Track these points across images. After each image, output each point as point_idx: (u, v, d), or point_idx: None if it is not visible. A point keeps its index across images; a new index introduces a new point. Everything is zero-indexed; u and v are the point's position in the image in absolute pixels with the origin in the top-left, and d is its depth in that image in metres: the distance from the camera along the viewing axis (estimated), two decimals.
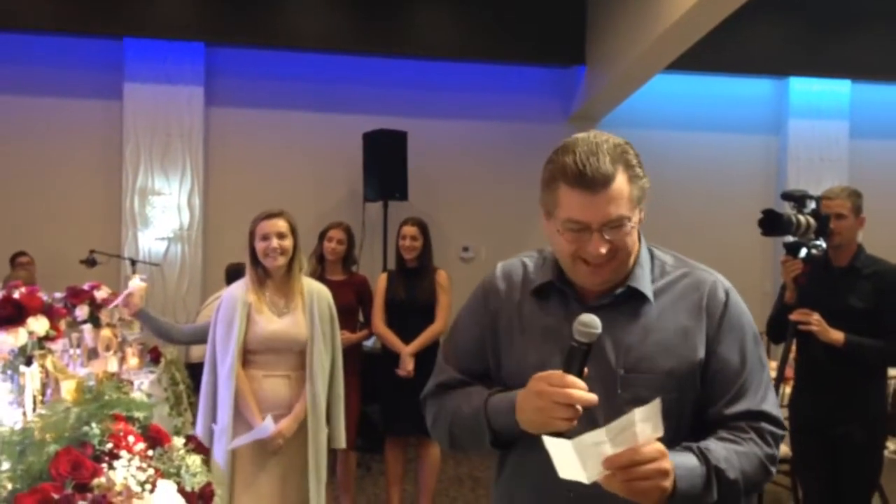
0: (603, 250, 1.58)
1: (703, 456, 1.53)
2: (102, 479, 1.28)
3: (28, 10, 7.01)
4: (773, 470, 1.63)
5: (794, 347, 3.74)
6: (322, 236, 5.06)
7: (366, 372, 5.21)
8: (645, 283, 1.67)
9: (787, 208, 3.59)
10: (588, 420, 1.52)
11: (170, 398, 3.99)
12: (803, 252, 3.54)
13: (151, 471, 1.37)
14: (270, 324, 3.55)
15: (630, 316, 1.65)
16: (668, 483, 1.43)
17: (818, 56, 8.24)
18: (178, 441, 1.55)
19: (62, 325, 2.92)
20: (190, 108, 7.54)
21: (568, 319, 1.59)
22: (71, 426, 1.39)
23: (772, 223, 3.47)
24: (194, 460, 1.51)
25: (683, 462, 1.49)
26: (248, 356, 3.54)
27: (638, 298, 1.66)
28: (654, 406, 1.39)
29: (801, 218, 3.48)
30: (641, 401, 1.49)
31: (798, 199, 3.56)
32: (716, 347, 1.64)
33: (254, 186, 7.60)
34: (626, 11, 7.00)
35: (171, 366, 4.43)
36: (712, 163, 8.51)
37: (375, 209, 7.55)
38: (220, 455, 3.50)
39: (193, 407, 4.16)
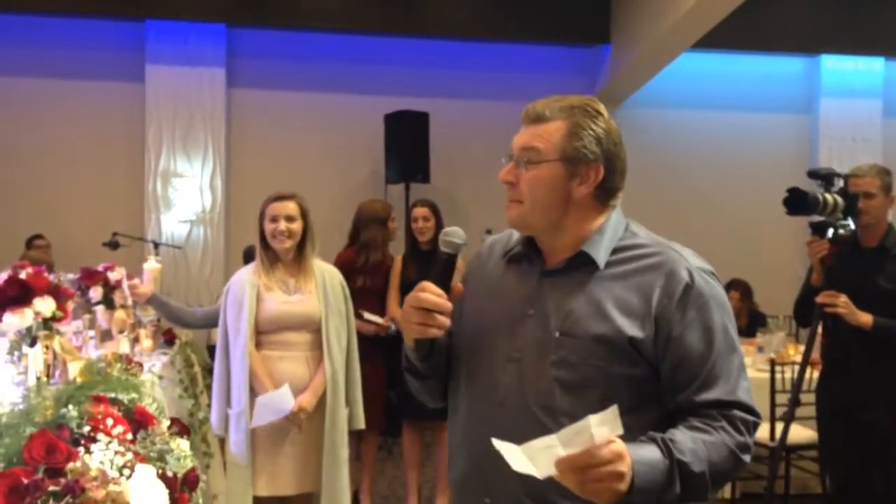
0: (507, 176, 1.65)
1: (666, 448, 1.47)
2: (77, 464, 1.23)
3: None
4: (746, 459, 1.58)
5: (820, 331, 3.63)
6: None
7: (390, 355, 5.16)
8: (599, 250, 1.63)
9: (813, 187, 3.47)
10: (518, 380, 1.58)
11: (184, 380, 3.96)
12: (830, 232, 3.42)
13: (130, 455, 1.31)
14: (281, 302, 3.52)
15: (579, 282, 1.62)
16: (623, 486, 1.38)
17: (851, 33, 8.02)
18: (163, 424, 1.50)
19: (69, 305, 2.88)
20: (212, 90, 7.52)
21: (522, 282, 1.67)
22: (49, 408, 1.34)
23: (797, 202, 3.35)
24: (179, 444, 1.45)
25: (644, 456, 1.44)
26: (261, 337, 3.50)
27: (591, 265, 1.63)
28: (612, 412, 1.34)
29: (828, 197, 3.36)
30: (568, 364, 1.56)
31: (825, 178, 3.44)
32: (676, 332, 1.58)
33: (275, 168, 7.56)
34: None
35: (186, 347, 4.40)
36: (741, 143, 8.32)
37: (398, 191, 7.48)
38: (238, 439, 3.47)
39: (210, 389, 4.13)
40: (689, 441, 1.50)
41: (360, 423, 3.72)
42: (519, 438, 1.37)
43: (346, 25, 7.58)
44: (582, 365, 1.57)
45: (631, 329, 1.56)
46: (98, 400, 1.44)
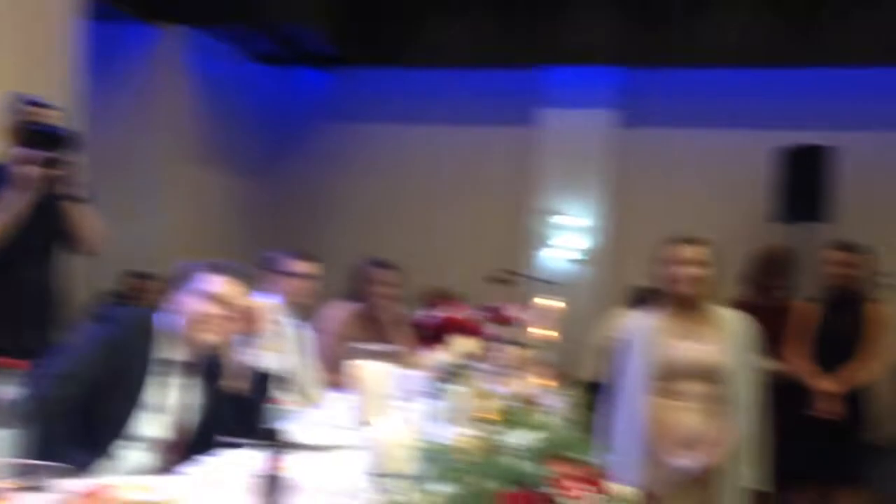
0: None
1: None
2: None
3: (453, 47, 7.69)
4: None
5: None
6: None
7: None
8: None
9: None
10: None
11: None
12: None
13: None
14: (684, 349, 3.41)
15: None
16: None
17: None
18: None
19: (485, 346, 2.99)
20: (602, 131, 7.63)
21: None
22: (497, 456, 1.32)
23: None
24: None
25: None
26: (658, 383, 3.41)
27: None
28: None
29: None
30: None
31: None
32: None
33: (663, 210, 7.37)
34: None
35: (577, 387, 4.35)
36: None
37: (788, 233, 6.95)
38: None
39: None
40: None
41: (763, 483, 3.47)
42: None
43: (742, 59, 7.31)
44: None
45: None
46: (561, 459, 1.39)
